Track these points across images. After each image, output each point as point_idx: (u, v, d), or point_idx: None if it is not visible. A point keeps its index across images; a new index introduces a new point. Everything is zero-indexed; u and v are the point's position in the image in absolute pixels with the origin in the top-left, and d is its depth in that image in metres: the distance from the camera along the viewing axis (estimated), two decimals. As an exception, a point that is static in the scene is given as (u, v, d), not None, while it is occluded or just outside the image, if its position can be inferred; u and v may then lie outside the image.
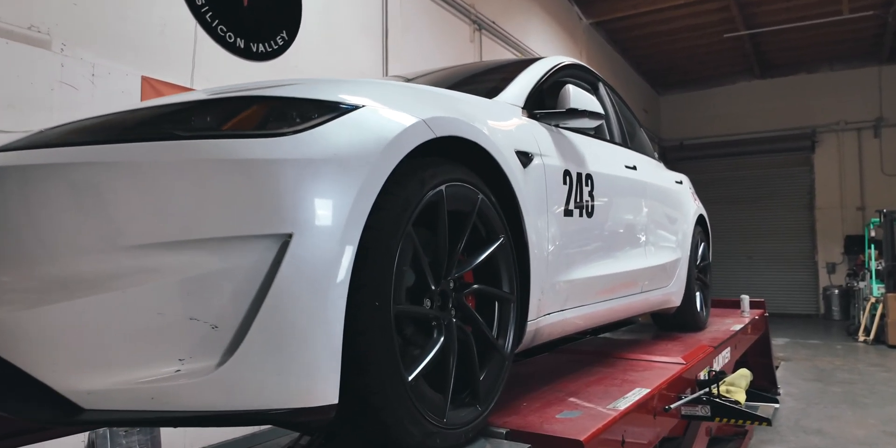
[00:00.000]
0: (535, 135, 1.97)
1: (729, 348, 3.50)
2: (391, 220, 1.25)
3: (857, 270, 10.89)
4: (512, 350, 1.66)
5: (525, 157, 1.82)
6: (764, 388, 5.31)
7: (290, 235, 1.07)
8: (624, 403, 1.86)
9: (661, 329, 3.74)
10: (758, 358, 5.21)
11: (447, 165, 1.46)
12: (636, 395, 1.99)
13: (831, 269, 12.28)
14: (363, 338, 1.18)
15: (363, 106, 1.27)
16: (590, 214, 2.21)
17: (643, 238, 2.83)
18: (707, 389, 2.36)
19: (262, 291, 1.04)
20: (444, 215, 1.42)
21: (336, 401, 1.10)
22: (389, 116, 1.30)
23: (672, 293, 3.29)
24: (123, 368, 1.00)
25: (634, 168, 2.80)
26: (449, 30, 6.66)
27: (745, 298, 4.77)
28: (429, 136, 1.36)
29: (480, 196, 1.55)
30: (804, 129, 12.64)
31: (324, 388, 1.09)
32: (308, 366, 1.07)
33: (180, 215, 1.03)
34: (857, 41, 11.26)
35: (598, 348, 3.00)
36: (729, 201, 12.92)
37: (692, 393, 2.53)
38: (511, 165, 1.70)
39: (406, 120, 1.32)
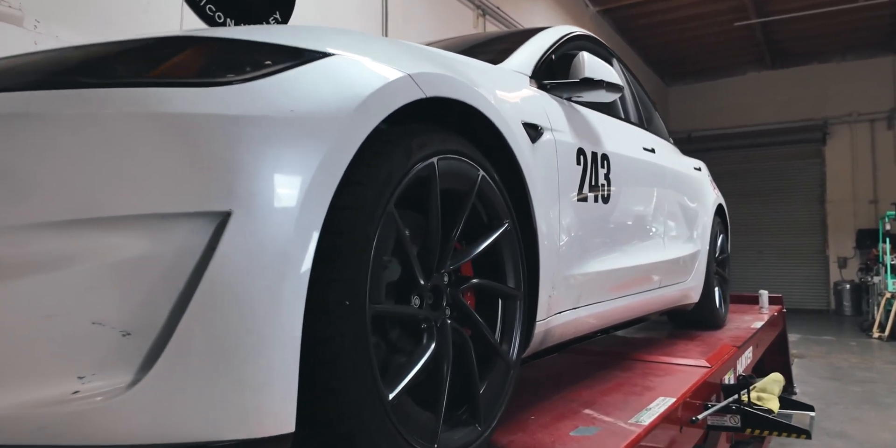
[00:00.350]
0: (546, 107, 1.71)
1: (751, 348, 3.24)
2: (367, 198, 0.99)
3: (871, 265, 10.60)
4: (518, 356, 1.40)
5: (534, 131, 1.56)
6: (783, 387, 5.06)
7: (227, 214, 0.81)
8: (648, 416, 1.60)
9: (677, 327, 3.48)
10: (775, 355, 4.94)
11: (441, 134, 1.20)
12: (660, 405, 1.73)
13: (843, 263, 11.99)
14: (329, 346, 0.92)
15: (334, 54, 1.02)
16: (606, 199, 1.95)
17: (662, 228, 2.57)
18: (736, 396, 2.10)
19: (190, 287, 0.79)
20: (436, 194, 1.16)
21: (292, 429, 0.85)
22: (367, 68, 1.04)
23: (691, 288, 3.03)
24: (1, 389, 0.75)
25: (653, 151, 2.53)
26: (452, 15, 6.38)
27: (764, 294, 4.51)
28: (416, 95, 1.10)
29: (481, 173, 1.29)
30: (815, 120, 12.31)
31: (276, 413, 0.83)
32: (254, 384, 0.81)
33: (78, 186, 0.78)
34: (871, 30, 10.92)
35: (611, 348, 2.75)
36: (738, 194, 12.59)
37: (718, 400, 2.27)
38: (518, 138, 1.44)
39: (388, 73, 1.06)
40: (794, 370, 6.27)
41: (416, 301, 1.17)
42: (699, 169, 3.43)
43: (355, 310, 0.95)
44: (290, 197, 0.86)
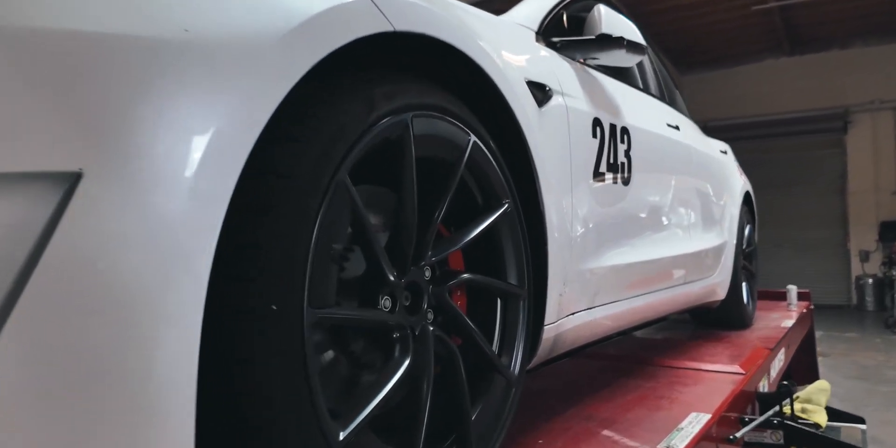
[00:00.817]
0: (555, 67, 1.43)
1: (783, 349, 2.95)
2: (306, 162, 0.72)
3: (894, 259, 10.21)
4: (522, 370, 1.12)
5: (541, 93, 1.27)
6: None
7: (76, 176, 0.54)
8: (681, 440, 1.32)
9: (700, 326, 3.19)
10: (801, 355, 4.63)
11: (418, 85, 0.92)
12: (694, 423, 1.45)
13: (864, 257, 11.58)
14: (248, 371, 0.65)
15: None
16: (626, 180, 1.66)
17: (687, 217, 2.27)
18: (777, 408, 1.81)
19: (19, 283, 0.52)
20: (410, 162, 0.88)
21: (184, 493, 0.58)
22: (308, -16, 0.76)
23: (717, 284, 2.74)
24: None
25: (677, 128, 2.24)
26: None
27: (793, 289, 4.21)
28: (380, 26, 0.82)
29: (472, 138, 1.01)
30: (836, 108, 11.88)
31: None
32: (119, 428, 0.54)
33: None
34: (894, 14, 10.49)
35: (629, 352, 2.46)
36: (755, 186, 12.16)
37: (754, 412, 1.99)
38: (520, 99, 1.15)
39: (339, -7, 0.77)
40: (819, 369, 5.96)
41: (385, 303, 0.89)
42: (725, 152, 3.13)
43: (286, 318, 0.67)
44: (178, 155, 0.58)
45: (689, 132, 2.48)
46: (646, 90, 2.26)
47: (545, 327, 1.25)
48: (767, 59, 12.39)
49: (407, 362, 0.89)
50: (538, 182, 1.19)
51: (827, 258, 11.98)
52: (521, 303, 1.14)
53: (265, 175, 0.70)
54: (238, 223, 0.67)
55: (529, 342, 1.17)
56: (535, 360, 1.28)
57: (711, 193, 2.60)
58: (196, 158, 0.59)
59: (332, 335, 0.90)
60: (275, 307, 0.67)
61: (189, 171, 0.59)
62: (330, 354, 0.91)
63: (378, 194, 0.95)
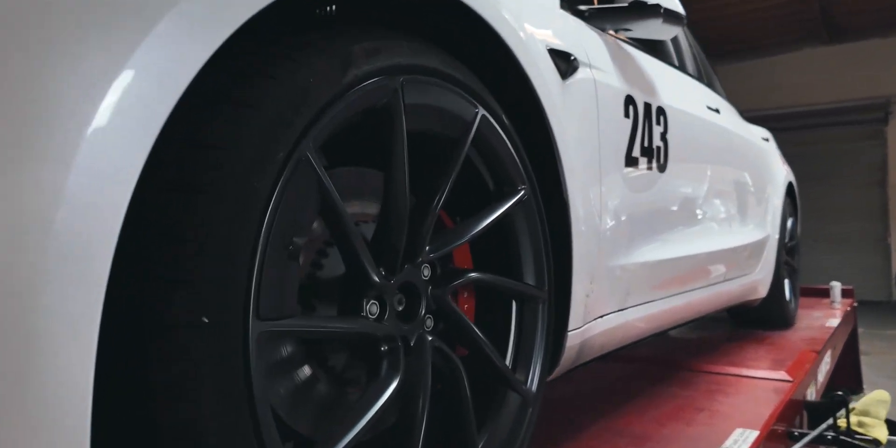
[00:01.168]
0: (582, 37, 1.25)
1: (829, 351, 2.73)
2: (255, 132, 0.56)
3: (940, 254, 9.76)
4: (541, 385, 0.96)
5: (564, 63, 1.10)
6: (851, 388, 4.48)
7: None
8: (726, 464, 1.14)
9: (738, 325, 2.98)
10: (844, 355, 4.38)
11: (411, 43, 0.75)
12: (741, 442, 1.27)
13: (906, 251, 11.13)
14: (170, 401, 0.50)
15: None
16: (661, 167, 1.48)
17: (727, 208, 2.08)
18: (831, 421, 1.61)
19: None
20: (400, 135, 0.72)
21: None
22: None
23: (758, 281, 2.53)
24: None
25: (717, 112, 2.04)
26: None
27: (837, 286, 3.95)
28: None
29: (481, 111, 0.85)
30: (876, 99, 11.38)
31: None
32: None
33: None
34: (939, 0, 9.98)
35: (662, 354, 2.27)
36: (791, 179, 11.81)
37: (802, 424, 1.79)
38: (539, 66, 0.98)
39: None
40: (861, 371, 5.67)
41: (371, 308, 0.73)
42: (767, 140, 2.91)
43: (223, 333, 0.52)
44: (65, 121, 0.43)
45: (730, 117, 2.27)
46: (682, 69, 2.06)
47: (569, 333, 1.08)
48: (805, 49, 11.90)
49: (397, 380, 0.73)
50: (561, 166, 1.02)
51: (866, 252, 11.53)
52: (541, 306, 0.97)
53: (200, 149, 0.54)
54: (161, 210, 0.52)
55: (550, 351, 1.00)
56: (557, 371, 1.12)
57: (753, 183, 2.39)
58: (89, 127, 0.44)
59: (308, 347, 0.75)
60: (206, 319, 0.52)
61: (75, 138, 0.43)
62: (306, 371, 0.75)
63: (365, 178, 0.80)
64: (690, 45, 2.34)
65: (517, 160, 0.92)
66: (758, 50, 12.22)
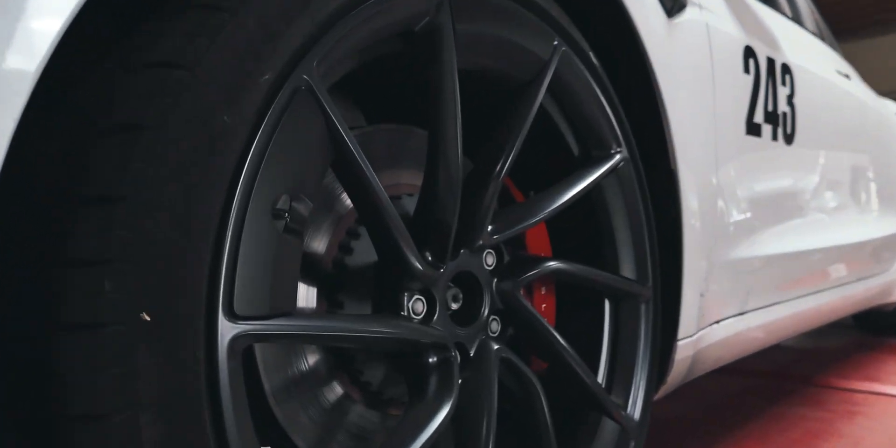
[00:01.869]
0: (687, -26, 1.01)
1: None
2: (228, 45, 0.38)
3: None
4: (645, 412, 0.73)
5: (669, -1, 0.86)
6: None
7: None
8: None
9: (866, 332, 2.58)
10: None
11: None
12: (904, 486, 0.99)
13: None
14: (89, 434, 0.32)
15: None
16: (788, 138, 1.21)
17: (861, 193, 1.75)
18: None
19: None
20: (450, 72, 0.52)
21: None
22: None
23: (894, 282, 2.16)
24: None
25: (848, 77, 1.72)
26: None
27: (985, 289, 3.39)
28: None
29: (563, 46, 0.64)
30: None
31: None
32: None
33: None
34: None
35: (778, 367, 1.95)
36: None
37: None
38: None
39: None
40: None
41: (414, 306, 0.54)
42: (901, 115, 2.50)
43: (173, 336, 0.34)
44: None
45: (860, 85, 1.93)
46: (802, 27, 1.75)
47: (678, 343, 0.84)
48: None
49: (450, 403, 0.54)
50: (668, 125, 0.79)
51: None
52: (643, 306, 0.75)
53: (145, 69, 0.37)
54: (75, 153, 0.35)
55: (655, 366, 0.78)
56: (663, 390, 0.89)
57: (890, 164, 2.03)
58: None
59: (335, 357, 0.57)
60: (147, 317, 0.34)
61: None
62: (336, 390, 0.57)
63: (403, 137, 0.61)
64: (809, 5, 2.01)
65: (610, 114, 0.70)
66: (865, 29, 11.17)
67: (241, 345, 0.38)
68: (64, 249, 0.34)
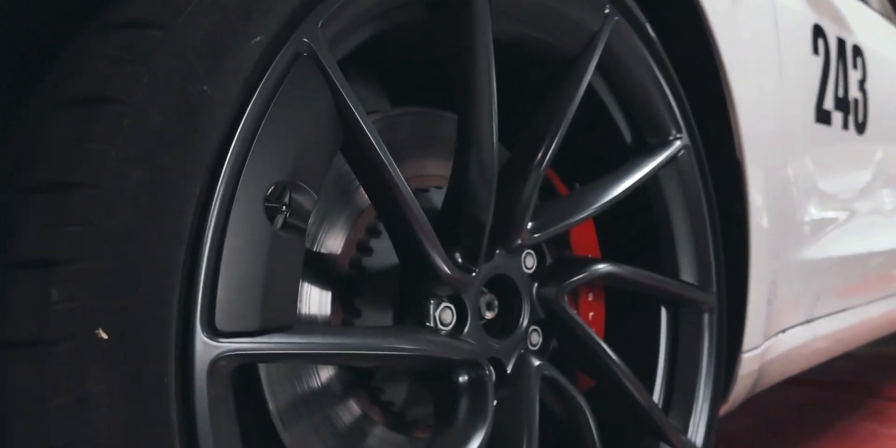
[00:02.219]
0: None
1: None
2: (204, 2, 0.31)
3: None
4: (708, 436, 0.64)
5: (732, -30, 0.77)
6: None
7: None
8: None
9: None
10: None
11: None
12: None
13: None
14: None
15: None
16: (860, 127, 1.10)
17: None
18: None
19: None
20: (484, 46, 0.45)
21: None
22: None
23: (969, 286, 1.99)
24: None
25: (920, 63, 1.58)
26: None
27: None
28: None
29: (615, 16, 0.55)
30: None
31: None
32: None
33: None
34: None
35: (845, 377, 1.81)
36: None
37: None
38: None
39: None
40: None
41: (442, 316, 0.47)
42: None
43: (136, 357, 0.27)
44: None
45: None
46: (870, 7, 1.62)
47: (743, 356, 0.75)
48: None
49: (485, 427, 0.46)
50: (734, 109, 0.69)
51: None
52: (706, 316, 0.66)
53: (111, 30, 0.30)
54: (26, 133, 0.28)
55: (719, 382, 0.68)
56: (725, 408, 0.79)
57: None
58: None
59: (352, 372, 0.50)
60: (104, 333, 0.27)
61: None
62: (353, 410, 0.50)
63: (430, 122, 0.53)
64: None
65: (669, 95, 0.61)
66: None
67: (226, 367, 0.31)
68: (2, 249, 0.28)
